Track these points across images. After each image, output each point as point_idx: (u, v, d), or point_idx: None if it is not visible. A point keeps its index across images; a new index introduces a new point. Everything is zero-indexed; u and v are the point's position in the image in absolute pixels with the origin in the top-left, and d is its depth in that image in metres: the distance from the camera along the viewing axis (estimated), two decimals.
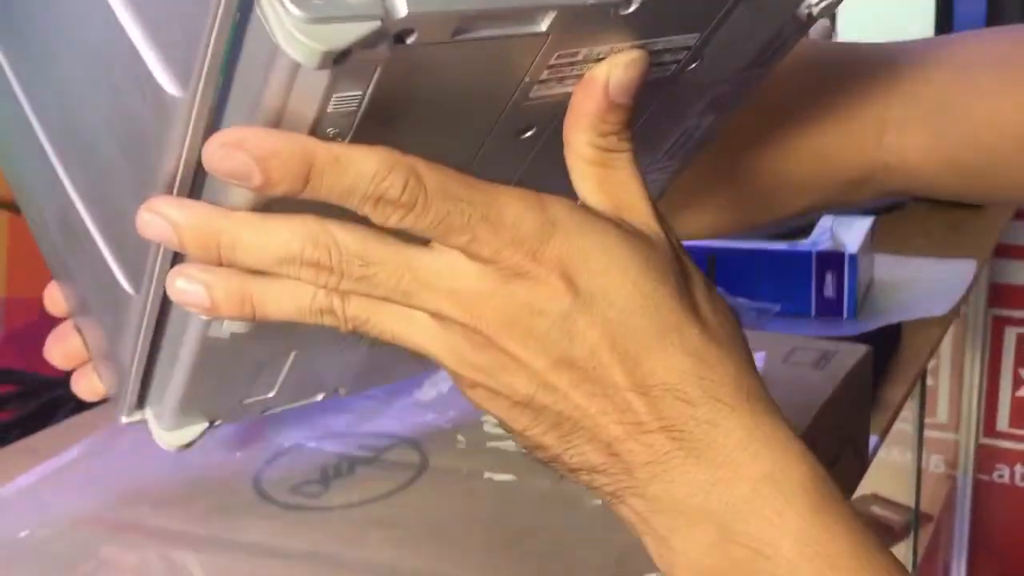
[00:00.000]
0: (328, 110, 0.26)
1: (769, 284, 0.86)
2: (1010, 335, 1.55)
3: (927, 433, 1.59)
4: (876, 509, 1.41)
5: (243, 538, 0.45)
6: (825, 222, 0.92)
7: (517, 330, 0.27)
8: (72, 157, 0.34)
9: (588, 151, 0.29)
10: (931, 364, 1.59)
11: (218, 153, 0.25)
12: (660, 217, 0.30)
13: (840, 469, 0.59)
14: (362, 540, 0.44)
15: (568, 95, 0.30)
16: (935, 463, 1.63)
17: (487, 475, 0.49)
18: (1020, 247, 1.50)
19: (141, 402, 0.39)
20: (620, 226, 0.28)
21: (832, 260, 0.85)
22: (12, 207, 0.74)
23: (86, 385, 0.38)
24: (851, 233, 0.89)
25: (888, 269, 0.98)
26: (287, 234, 0.26)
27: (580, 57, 0.29)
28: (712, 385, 0.28)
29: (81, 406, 0.69)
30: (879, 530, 1.40)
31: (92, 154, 0.32)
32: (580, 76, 0.29)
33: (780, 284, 0.86)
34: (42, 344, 0.77)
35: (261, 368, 0.38)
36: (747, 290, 0.85)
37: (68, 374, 0.74)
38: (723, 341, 0.29)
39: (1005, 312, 1.54)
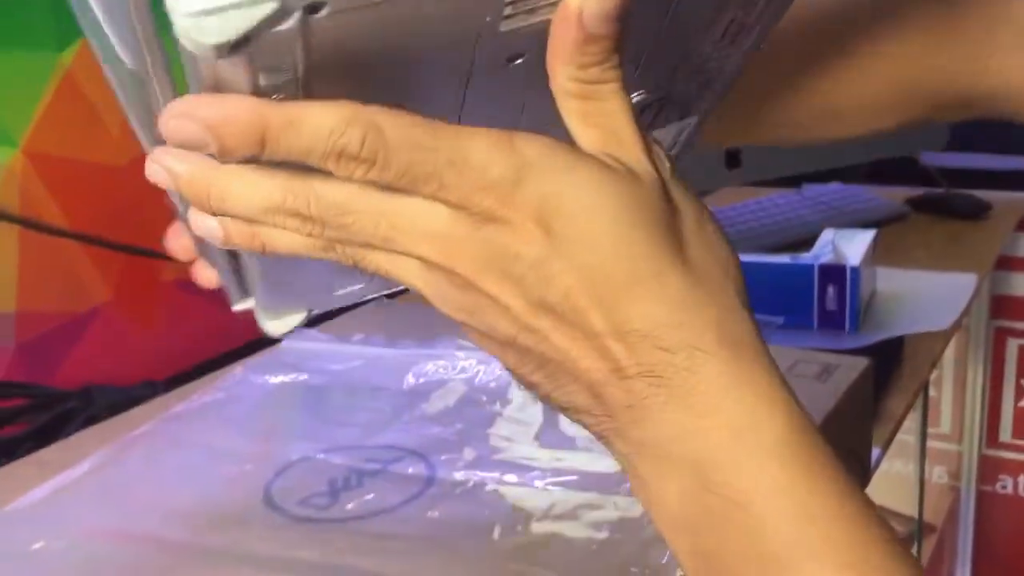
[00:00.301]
0: (262, 83, 0.25)
1: (772, 297, 0.87)
2: (1012, 346, 1.55)
3: (930, 444, 1.60)
4: None
5: (252, 549, 0.46)
6: (827, 235, 0.93)
7: (493, 274, 0.27)
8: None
9: (570, 85, 0.28)
10: (934, 375, 1.59)
11: (171, 124, 0.26)
12: (650, 149, 0.29)
13: None
14: (370, 551, 0.45)
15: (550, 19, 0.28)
16: (938, 474, 1.63)
17: (493, 487, 0.50)
18: (1022, 259, 1.50)
19: (245, 292, 0.39)
20: (602, 164, 0.27)
21: (834, 273, 0.85)
22: (22, 221, 0.75)
23: (204, 275, 0.39)
24: (853, 246, 0.90)
25: (890, 282, 0.99)
26: (269, 186, 0.27)
27: None
28: (691, 332, 0.27)
29: (91, 420, 0.70)
30: None
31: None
32: (555, 3, 0.27)
33: (783, 297, 0.86)
34: (52, 358, 0.78)
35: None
36: (751, 303, 0.85)
37: (79, 387, 0.75)
38: (708, 281, 0.28)
39: (1007, 324, 1.54)
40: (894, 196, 1.37)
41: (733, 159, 1.26)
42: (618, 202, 0.27)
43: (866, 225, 1.11)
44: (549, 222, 0.27)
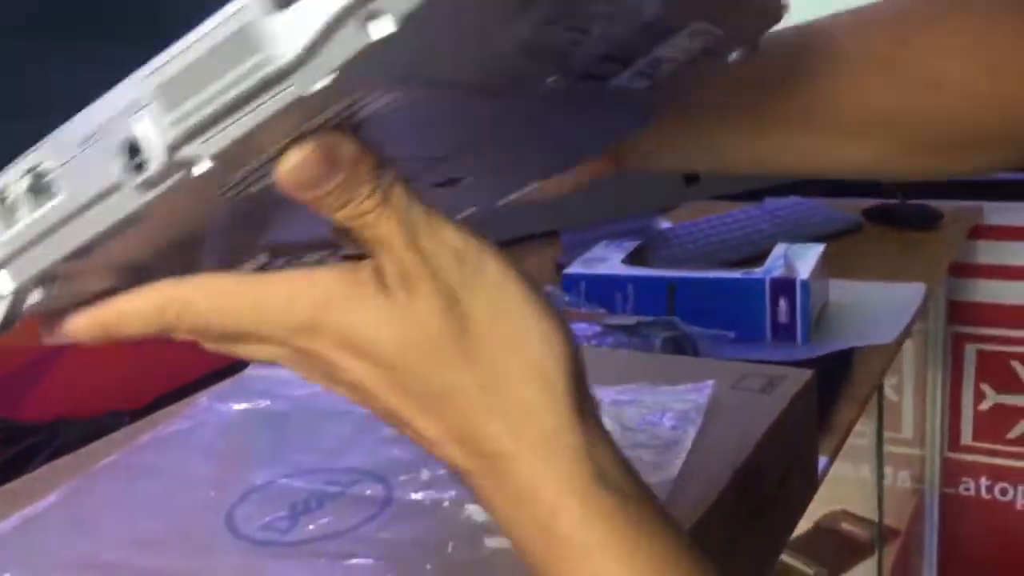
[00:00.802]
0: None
1: (725, 311, 0.89)
2: (970, 351, 1.59)
3: (894, 449, 1.63)
4: (845, 525, 1.44)
5: (215, 574, 0.47)
6: (779, 250, 0.96)
7: (335, 386, 0.32)
8: None
9: (336, 225, 0.30)
10: (894, 381, 1.63)
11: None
12: (426, 262, 0.29)
13: (788, 490, 0.62)
14: (329, 571, 0.46)
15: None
16: (902, 478, 1.66)
17: (448, 505, 0.52)
18: (976, 265, 1.54)
19: None
20: (379, 296, 0.29)
21: (785, 286, 0.88)
22: None
23: None
24: (803, 260, 0.92)
25: (842, 293, 1.02)
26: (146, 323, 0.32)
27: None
28: (479, 443, 0.30)
29: (58, 452, 0.72)
30: (849, 545, 1.43)
31: None
32: None
33: (736, 311, 0.89)
34: (20, 392, 0.80)
35: None
36: (705, 318, 0.88)
37: (45, 421, 0.76)
38: (504, 385, 0.30)
39: (965, 329, 1.58)
40: (851, 208, 1.41)
41: (691, 176, 1.29)
42: (398, 331, 0.29)
43: (824, 237, 1.15)
44: (358, 348, 0.30)
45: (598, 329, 0.78)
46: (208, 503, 0.54)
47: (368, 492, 0.54)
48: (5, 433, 0.72)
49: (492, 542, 0.48)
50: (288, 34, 0.24)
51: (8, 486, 0.61)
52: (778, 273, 0.89)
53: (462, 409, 0.30)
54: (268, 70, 0.25)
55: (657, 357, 0.77)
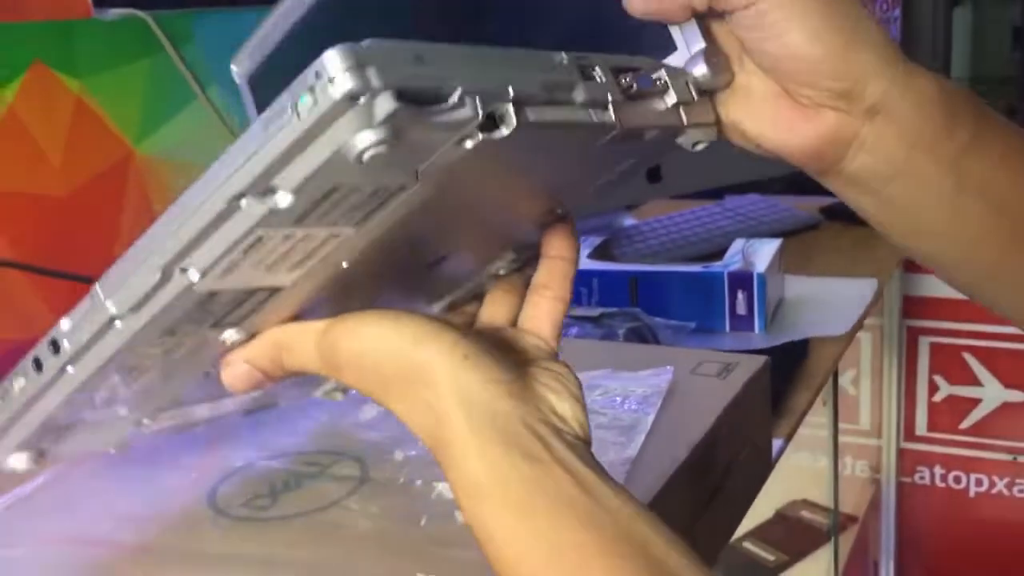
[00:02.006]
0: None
1: (686, 303, 0.93)
2: (924, 344, 1.64)
3: (851, 439, 1.68)
4: (805, 513, 1.48)
5: (200, 548, 0.50)
6: (737, 244, 0.99)
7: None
8: None
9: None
10: (851, 374, 1.68)
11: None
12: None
13: (741, 468, 0.66)
14: (307, 544, 0.49)
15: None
16: (860, 468, 1.71)
17: (420, 482, 0.54)
18: None
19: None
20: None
21: (743, 279, 0.92)
22: None
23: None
24: (760, 254, 0.96)
25: (798, 287, 1.06)
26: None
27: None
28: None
29: None
30: (808, 533, 1.48)
31: None
32: None
33: (696, 303, 0.93)
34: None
35: None
36: (666, 309, 0.92)
37: None
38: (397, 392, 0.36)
39: (918, 323, 1.64)
40: (809, 206, 1.45)
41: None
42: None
43: (782, 233, 1.19)
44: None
45: (565, 320, 0.81)
46: (191, 484, 0.56)
47: (345, 472, 0.57)
48: None
49: (463, 517, 0.51)
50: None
51: None
52: (736, 267, 0.93)
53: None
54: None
55: (620, 345, 0.81)
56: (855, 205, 0.42)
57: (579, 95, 0.34)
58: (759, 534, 1.44)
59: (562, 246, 0.42)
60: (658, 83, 0.38)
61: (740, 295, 0.92)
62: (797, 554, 1.44)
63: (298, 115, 0.27)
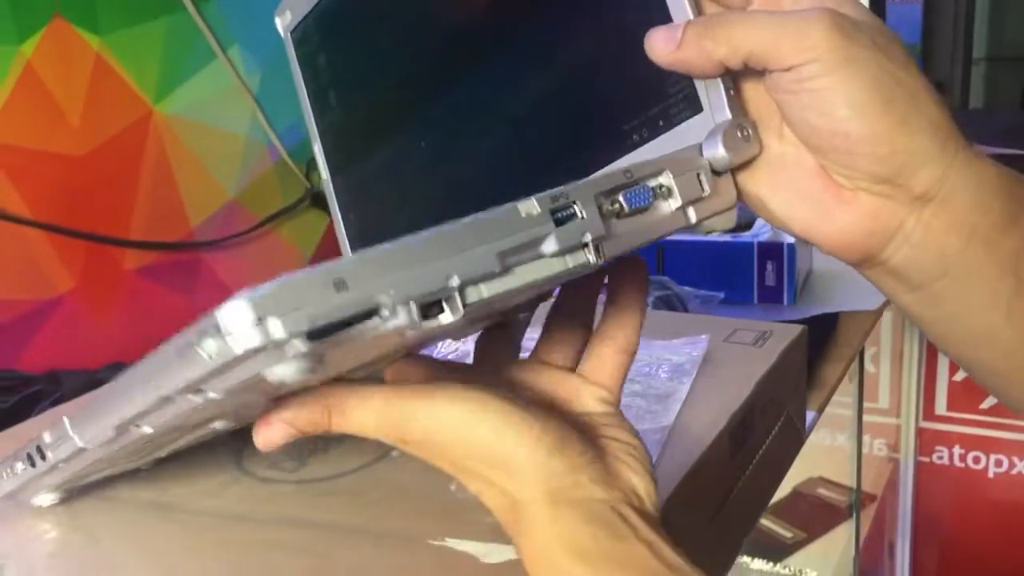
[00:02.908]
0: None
1: (715, 273, 0.91)
2: None
3: (870, 418, 1.66)
4: (823, 491, 1.47)
5: (225, 509, 0.48)
6: None
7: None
8: None
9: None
10: (872, 352, 1.66)
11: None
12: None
13: (776, 438, 0.64)
14: (333, 506, 0.48)
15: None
16: (878, 446, 1.70)
17: None
18: None
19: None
20: None
21: (772, 250, 0.90)
22: None
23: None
24: None
25: (826, 260, 1.03)
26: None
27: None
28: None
29: (58, 401, 0.72)
30: (826, 510, 1.46)
31: None
32: None
33: (725, 273, 0.91)
34: (16, 345, 0.80)
35: None
36: (694, 279, 0.90)
37: (47, 370, 0.77)
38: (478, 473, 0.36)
39: None
40: None
41: None
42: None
43: None
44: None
45: None
46: (218, 446, 0.55)
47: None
48: (3, 381, 0.72)
49: None
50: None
51: (13, 429, 0.62)
52: (766, 237, 0.91)
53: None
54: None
55: (652, 313, 0.79)
56: (895, 299, 0.37)
57: (550, 246, 0.31)
58: (776, 511, 1.43)
59: (631, 295, 0.39)
60: (660, 190, 0.34)
61: (769, 266, 0.90)
62: (814, 531, 1.43)
63: (207, 355, 0.26)
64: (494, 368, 0.41)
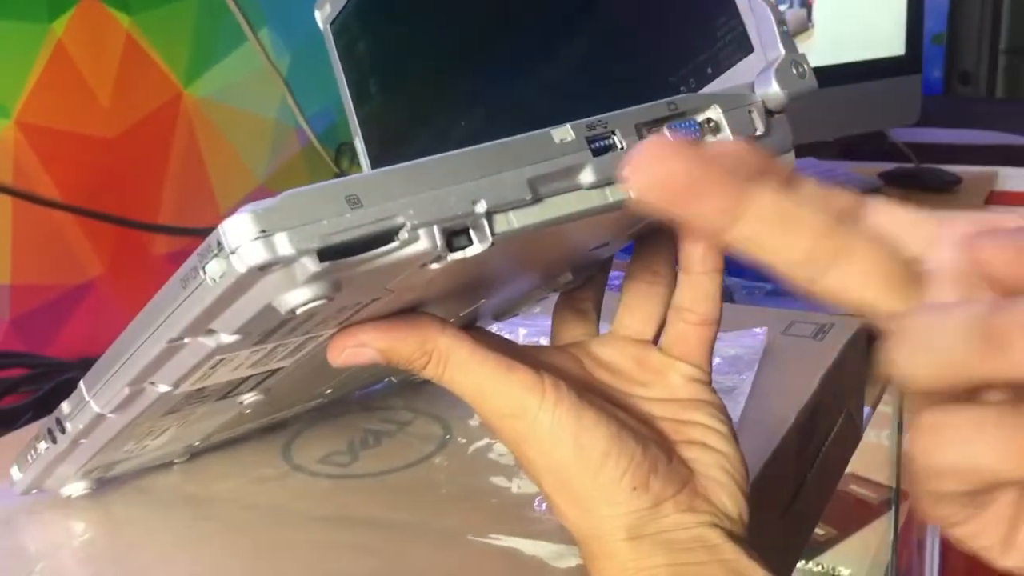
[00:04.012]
0: None
1: (760, 264, 0.88)
2: None
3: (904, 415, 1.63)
4: (855, 488, 1.45)
5: (272, 505, 0.46)
6: None
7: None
8: None
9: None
10: None
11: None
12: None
13: (838, 435, 0.62)
14: (390, 503, 0.46)
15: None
16: (907, 442, 1.67)
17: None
18: None
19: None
20: None
21: None
22: (16, 193, 0.75)
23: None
24: None
25: None
26: None
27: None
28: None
29: None
30: (859, 507, 1.44)
31: None
32: None
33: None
34: (47, 331, 0.78)
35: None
36: (740, 269, 0.87)
37: (80, 357, 0.75)
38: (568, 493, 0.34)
39: None
40: (867, 171, 1.40)
41: None
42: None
43: None
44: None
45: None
46: (263, 438, 0.53)
47: (426, 431, 0.53)
48: (36, 369, 0.70)
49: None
50: None
51: (46, 420, 0.60)
52: None
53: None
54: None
55: None
56: None
57: (587, 176, 0.29)
58: None
59: (706, 258, 0.36)
60: (707, 125, 0.32)
61: None
62: (846, 528, 1.40)
63: (211, 279, 0.24)
64: (575, 350, 0.39)
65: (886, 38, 1.33)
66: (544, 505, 0.44)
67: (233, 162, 0.97)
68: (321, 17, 0.61)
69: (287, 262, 0.23)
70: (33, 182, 0.77)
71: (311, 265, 0.23)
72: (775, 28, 0.34)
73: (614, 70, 0.42)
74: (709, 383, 0.38)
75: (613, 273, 0.43)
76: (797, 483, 0.54)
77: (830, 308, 0.84)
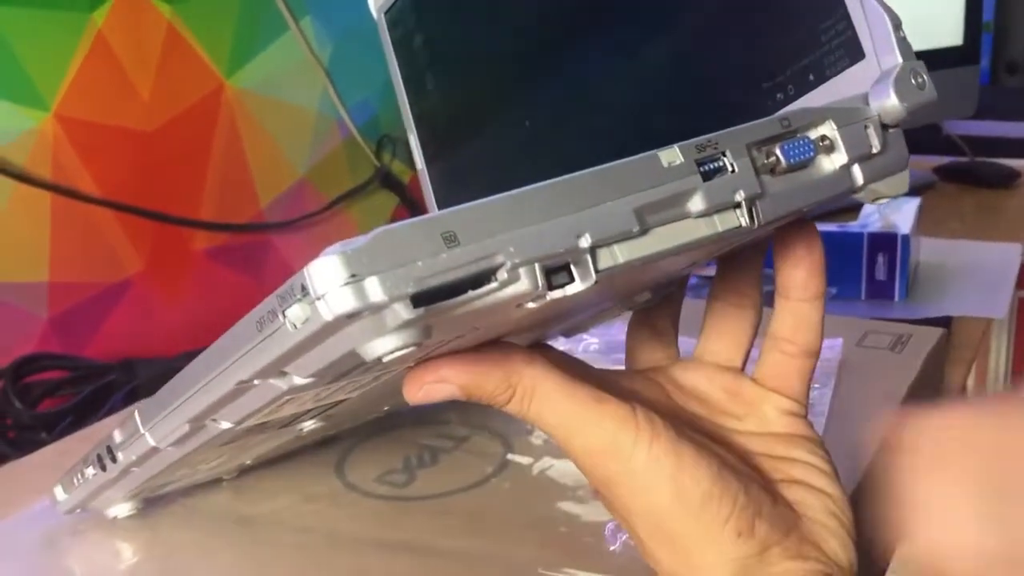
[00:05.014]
0: None
1: None
2: None
3: None
4: None
5: (324, 527, 0.44)
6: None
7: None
8: None
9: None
10: None
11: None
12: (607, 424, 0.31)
13: None
14: (446, 528, 0.43)
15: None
16: None
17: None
18: None
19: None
20: None
21: (884, 241, 0.83)
22: (55, 188, 0.73)
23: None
24: (899, 214, 0.88)
25: (931, 251, 0.97)
26: None
27: None
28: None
29: (133, 393, 0.68)
30: None
31: None
32: None
33: (830, 266, 0.84)
34: (85, 329, 0.76)
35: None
36: None
37: (122, 359, 0.73)
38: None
39: None
40: (921, 164, 1.35)
41: None
42: None
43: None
44: None
45: (695, 280, 0.74)
46: (314, 455, 0.50)
47: (484, 448, 0.50)
48: (77, 371, 0.68)
49: None
50: None
51: (94, 427, 0.58)
52: (875, 227, 0.84)
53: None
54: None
55: (767, 312, 0.73)
56: None
57: (697, 204, 0.26)
58: None
59: (808, 283, 0.33)
60: (821, 143, 0.29)
61: (880, 259, 0.84)
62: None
63: (291, 325, 0.21)
64: (656, 376, 0.36)
65: (944, 27, 1.28)
66: (620, 539, 0.41)
67: (274, 155, 0.94)
68: (375, 5, 0.57)
69: (378, 309, 0.20)
70: (72, 177, 0.75)
71: (404, 312, 0.21)
72: (891, 33, 0.31)
73: (701, 72, 0.38)
74: (806, 416, 0.35)
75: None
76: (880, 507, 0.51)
77: (885, 314, 0.81)
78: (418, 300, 0.21)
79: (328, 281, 0.20)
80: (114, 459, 0.37)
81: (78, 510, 0.44)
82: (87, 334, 0.76)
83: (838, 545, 0.32)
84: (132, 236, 0.80)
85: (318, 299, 0.20)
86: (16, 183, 0.70)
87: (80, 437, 0.58)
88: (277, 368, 0.24)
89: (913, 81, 0.30)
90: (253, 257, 0.92)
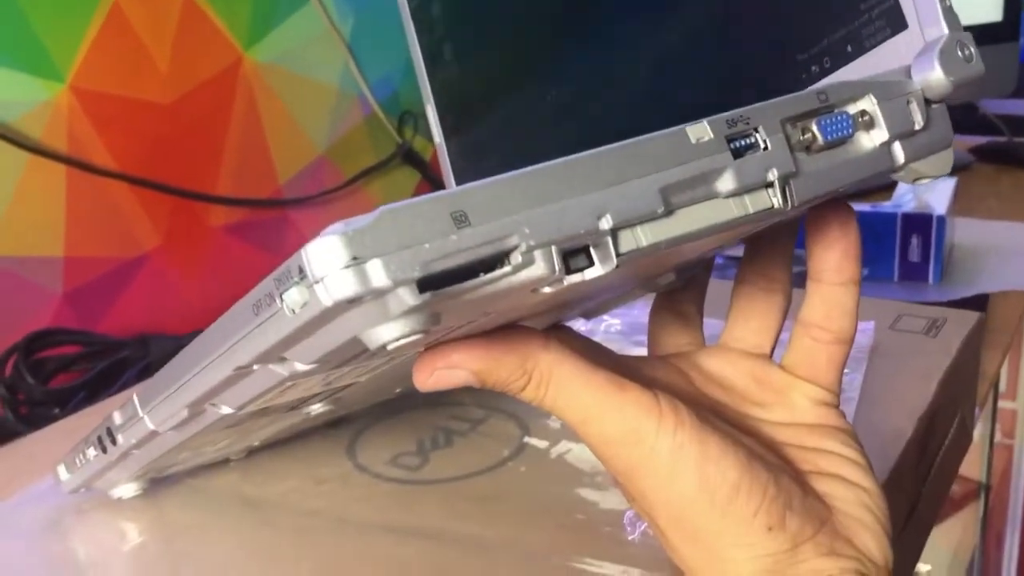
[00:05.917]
0: None
1: None
2: None
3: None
4: None
5: (335, 511, 0.42)
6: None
7: None
8: None
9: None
10: None
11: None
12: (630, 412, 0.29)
13: (953, 442, 0.56)
14: (460, 512, 0.41)
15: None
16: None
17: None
18: None
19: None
20: None
21: (919, 222, 0.81)
22: (70, 161, 0.72)
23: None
24: (934, 194, 0.85)
25: (966, 233, 0.94)
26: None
27: None
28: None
29: (146, 369, 0.67)
30: None
31: None
32: None
33: (863, 248, 0.82)
34: (100, 305, 0.75)
35: None
36: None
37: (137, 335, 0.72)
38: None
39: None
40: (955, 145, 1.32)
41: None
42: None
43: None
44: None
45: (721, 260, 0.72)
46: (324, 436, 0.49)
47: (501, 431, 0.49)
48: (91, 347, 0.67)
49: None
50: None
51: (105, 402, 0.57)
52: (910, 207, 0.81)
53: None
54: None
55: (797, 292, 0.71)
56: None
57: (726, 183, 0.24)
58: None
59: (842, 266, 0.31)
60: (861, 119, 0.27)
61: (915, 240, 0.81)
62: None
63: (289, 309, 0.20)
64: (679, 362, 0.34)
65: (982, 3, 1.24)
66: (639, 529, 0.39)
67: (293, 131, 0.93)
68: None
69: (381, 294, 0.19)
70: (87, 150, 0.74)
71: (409, 298, 0.19)
72: (937, 1, 0.28)
73: (732, 43, 0.36)
74: (838, 406, 0.33)
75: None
76: (913, 500, 0.49)
77: (920, 296, 0.79)
78: (425, 285, 0.19)
79: (327, 263, 0.19)
80: (114, 441, 0.36)
81: (82, 490, 0.43)
82: (102, 309, 0.76)
83: (872, 540, 0.30)
84: (148, 211, 0.79)
85: (316, 283, 0.19)
86: (31, 155, 0.69)
87: (91, 412, 0.57)
88: (276, 354, 0.23)
89: (960, 53, 0.28)
90: (271, 234, 0.90)
